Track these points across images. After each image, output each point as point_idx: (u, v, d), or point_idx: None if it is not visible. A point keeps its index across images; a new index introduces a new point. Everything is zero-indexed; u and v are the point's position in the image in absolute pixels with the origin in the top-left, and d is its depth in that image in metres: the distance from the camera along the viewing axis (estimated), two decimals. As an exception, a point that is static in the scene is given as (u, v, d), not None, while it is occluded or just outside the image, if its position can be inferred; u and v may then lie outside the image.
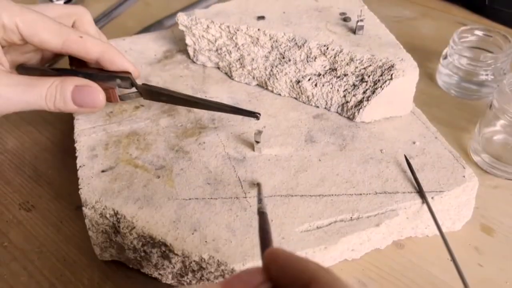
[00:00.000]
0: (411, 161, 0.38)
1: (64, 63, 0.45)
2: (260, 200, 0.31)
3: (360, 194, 0.36)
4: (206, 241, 0.33)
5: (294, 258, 0.22)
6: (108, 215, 0.35)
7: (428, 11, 0.68)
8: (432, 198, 0.36)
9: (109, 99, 0.39)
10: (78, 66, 0.42)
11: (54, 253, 0.38)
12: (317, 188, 0.36)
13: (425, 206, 0.36)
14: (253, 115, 0.39)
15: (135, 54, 0.50)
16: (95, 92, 0.38)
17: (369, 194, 0.36)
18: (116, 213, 0.35)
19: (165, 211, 0.35)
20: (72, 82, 0.38)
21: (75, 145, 0.40)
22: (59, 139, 0.48)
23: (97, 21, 0.65)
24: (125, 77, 0.40)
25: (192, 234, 0.33)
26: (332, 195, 0.36)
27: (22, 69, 0.42)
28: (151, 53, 0.50)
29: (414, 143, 0.40)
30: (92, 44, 0.38)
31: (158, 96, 0.41)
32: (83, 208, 0.35)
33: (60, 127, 0.50)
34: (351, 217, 0.34)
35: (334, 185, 0.37)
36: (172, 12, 0.67)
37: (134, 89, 0.41)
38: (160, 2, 0.71)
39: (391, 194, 0.36)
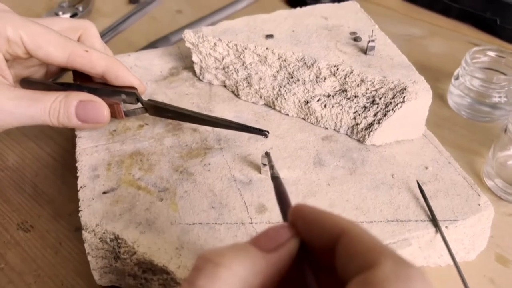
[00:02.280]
0: (423, 187, 0.37)
1: (68, 78, 0.44)
2: (272, 167, 0.31)
3: (371, 222, 0.34)
4: (210, 270, 0.31)
5: (321, 212, 0.22)
6: (108, 240, 0.34)
7: (437, 30, 0.67)
8: (446, 227, 0.34)
9: (113, 115, 0.38)
10: (83, 81, 0.41)
11: (52, 277, 0.37)
12: (326, 214, 0.35)
13: (438, 235, 0.34)
14: (262, 133, 0.38)
15: (141, 71, 0.49)
16: (100, 107, 0.37)
17: (381, 221, 0.35)
18: (116, 238, 0.33)
19: (168, 236, 0.33)
20: (77, 97, 0.37)
21: (77, 164, 0.39)
22: (61, 156, 0.47)
23: (103, 35, 0.64)
24: (131, 93, 0.39)
25: (196, 261, 0.32)
26: (342, 222, 0.34)
27: (26, 82, 0.41)
28: (156, 70, 0.49)
29: (426, 168, 0.39)
30: (97, 58, 0.38)
31: (164, 112, 0.40)
32: (83, 232, 0.34)
33: (62, 143, 0.48)
34: (362, 246, 0.33)
35: (344, 211, 0.35)
36: (178, 28, 0.66)
37: (139, 105, 0.40)
38: (166, 17, 0.70)
39: (403, 222, 0.34)
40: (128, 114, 0.40)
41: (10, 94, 0.36)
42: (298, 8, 0.49)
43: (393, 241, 0.33)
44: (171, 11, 0.72)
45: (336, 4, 0.50)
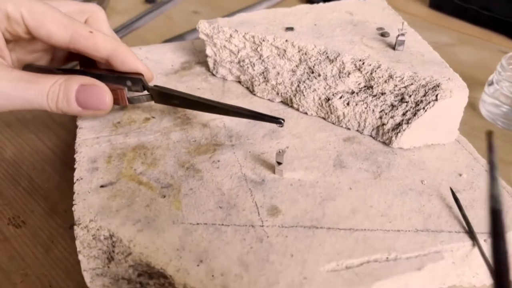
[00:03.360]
0: (458, 195, 0.32)
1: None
2: (495, 183, 0.17)
3: (398, 231, 0.30)
4: (213, 275, 0.28)
5: None
6: (102, 237, 0.30)
7: (467, 38, 0.63)
8: (484, 240, 0.30)
9: (116, 101, 0.35)
10: (87, 68, 0.38)
11: (40, 277, 0.33)
12: (347, 220, 0.31)
13: (475, 249, 0.30)
14: (277, 120, 0.34)
15: (151, 64, 0.46)
16: (102, 92, 0.34)
17: (409, 231, 0.30)
18: (111, 236, 0.30)
19: (168, 236, 0.30)
20: (78, 81, 0.34)
21: (75, 155, 0.36)
22: (61, 150, 0.44)
23: (116, 32, 0.62)
24: (137, 79, 0.36)
25: (198, 265, 0.28)
26: (365, 229, 0.30)
27: (29, 68, 0.38)
28: (167, 64, 0.47)
29: (460, 175, 0.34)
30: (102, 41, 0.35)
31: (171, 99, 0.37)
32: (75, 227, 0.31)
33: (64, 137, 0.45)
34: (387, 257, 0.29)
35: (367, 218, 0.31)
36: (194, 27, 0.64)
37: (145, 93, 0.37)
38: (182, 16, 0.68)
39: (435, 232, 0.30)
40: (132, 101, 0.37)
41: (6, 74, 0.33)
42: (321, 3, 0.46)
43: (424, 252, 0.29)
44: (188, 11, 0.69)
45: (361, 0, 0.47)
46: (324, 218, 0.31)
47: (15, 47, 0.37)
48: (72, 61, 0.43)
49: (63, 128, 0.46)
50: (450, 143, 0.37)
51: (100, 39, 0.35)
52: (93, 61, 0.39)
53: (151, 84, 0.38)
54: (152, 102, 0.38)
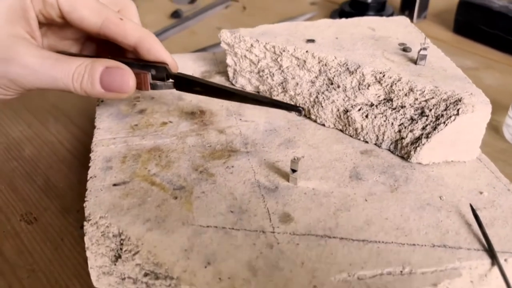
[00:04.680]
0: (478, 213, 0.31)
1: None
2: None
3: (414, 245, 0.29)
4: (220, 278, 0.27)
5: None
6: (111, 235, 0.30)
7: (491, 63, 0.62)
8: (505, 260, 0.29)
9: (139, 86, 0.36)
10: (114, 56, 0.39)
11: (47, 273, 0.33)
12: (360, 231, 0.30)
13: (495, 269, 0.28)
14: (296, 109, 0.33)
15: (172, 72, 0.47)
16: (126, 74, 0.34)
17: (425, 245, 0.29)
18: (120, 233, 0.30)
19: (177, 237, 0.29)
20: (103, 63, 0.34)
21: (90, 154, 0.36)
22: (79, 152, 0.45)
23: (140, 43, 0.63)
24: (161, 67, 0.36)
25: (205, 267, 0.27)
26: (379, 242, 0.29)
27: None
28: (188, 72, 0.47)
29: (481, 193, 0.33)
30: (131, 28, 0.36)
31: (192, 86, 0.37)
32: (85, 223, 0.30)
33: (82, 140, 0.46)
34: (402, 271, 0.28)
35: (382, 230, 0.30)
36: (217, 42, 0.64)
37: (168, 81, 0.37)
38: (206, 32, 0.69)
39: (453, 249, 0.29)
40: (154, 87, 0.37)
41: (36, 52, 0.34)
42: (343, 19, 0.46)
43: (441, 268, 0.28)
44: (212, 27, 0.70)
45: (384, 17, 0.47)
46: (337, 228, 0.30)
47: (47, 32, 0.38)
48: (101, 55, 0.44)
49: (82, 132, 0.47)
50: (471, 161, 0.36)
51: (129, 26, 0.36)
52: (121, 53, 0.40)
53: None
54: (171, 107, 0.38)
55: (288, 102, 0.33)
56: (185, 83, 0.37)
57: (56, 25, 0.37)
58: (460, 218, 0.31)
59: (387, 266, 0.28)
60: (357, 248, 0.29)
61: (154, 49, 0.36)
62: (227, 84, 0.45)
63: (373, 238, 0.30)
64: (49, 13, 0.35)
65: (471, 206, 0.32)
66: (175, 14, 0.72)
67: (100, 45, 0.41)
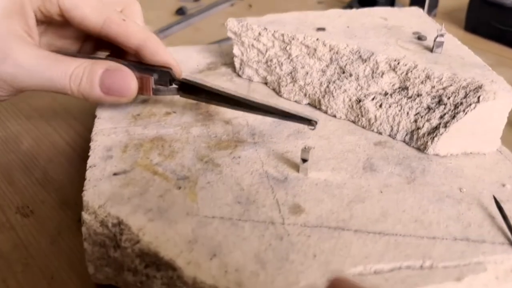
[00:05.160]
0: (502, 205, 0.29)
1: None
2: None
3: (434, 238, 0.27)
4: (226, 271, 0.25)
5: None
6: (110, 224, 0.28)
7: (504, 60, 0.61)
8: (533, 255, 0.27)
9: (140, 90, 0.34)
10: (116, 57, 0.37)
11: (42, 267, 0.31)
12: (376, 224, 0.28)
13: (522, 264, 0.26)
14: (309, 122, 0.32)
15: (176, 63, 0.45)
16: (127, 77, 0.33)
17: (446, 239, 0.27)
18: (120, 223, 0.28)
19: (181, 227, 0.27)
20: (103, 65, 0.33)
21: (90, 144, 0.34)
22: (79, 145, 0.43)
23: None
24: (165, 72, 0.35)
25: (210, 259, 0.25)
26: (397, 234, 0.27)
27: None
28: (193, 64, 0.45)
29: (504, 185, 0.31)
30: (134, 29, 0.34)
31: (198, 92, 0.35)
32: (83, 213, 0.29)
33: (82, 133, 0.44)
34: (422, 265, 0.26)
35: (400, 223, 0.28)
36: (222, 38, 0.63)
37: (171, 86, 0.36)
38: (211, 29, 0.68)
39: (476, 242, 0.27)
40: (156, 92, 0.35)
41: (32, 51, 0.32)
42: (354, 9, 0.45)
43: (464, 263, 0.26)
44: (216, 24, 0.69)
45: (396, 8, 0.45)
46: (351, 220, 0.28)
47: (46, 31, 0.37)
48: (100, 51, 0.42)
49: (82, 125, 0.45)
50: (491, 153, 0.34)
51: (132, 27, 0.34)
52: (122, 54, 0.38)
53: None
54: (175, 97, 0.36)
55: (301, 113, 0.32)
56: (190, 89, 0.35)
57: (55, 23, 0.36)
58: (483, 211, 0.29)
59: (406, 259, 0.26)
60: (373, 240, 0.27)
61: (158, 52, 0.35)
62: (233, 75, 0.44)
63: (390, 230, 0.28)
64: (48, 11, 0.34)
65: (494, 198, 0.30)
66: (180, 11, 0.71)
67: (101, 45, 0.39)
